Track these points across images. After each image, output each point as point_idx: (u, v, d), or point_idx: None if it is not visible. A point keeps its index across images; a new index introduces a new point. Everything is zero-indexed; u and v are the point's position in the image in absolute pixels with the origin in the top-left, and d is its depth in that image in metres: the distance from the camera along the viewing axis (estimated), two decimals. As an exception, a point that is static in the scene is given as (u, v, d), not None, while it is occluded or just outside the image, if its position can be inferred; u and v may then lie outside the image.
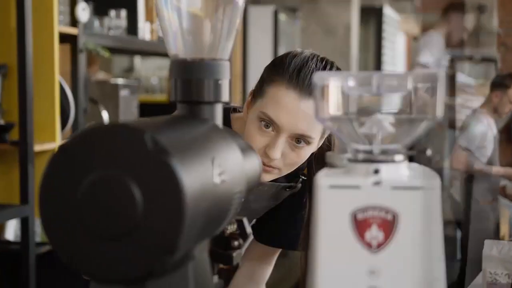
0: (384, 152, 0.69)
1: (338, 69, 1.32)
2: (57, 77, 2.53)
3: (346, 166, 0.71)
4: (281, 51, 6.15)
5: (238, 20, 0.84)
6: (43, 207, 0.63)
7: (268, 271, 1.60)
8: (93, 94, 3.17)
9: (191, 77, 0.80)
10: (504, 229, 4.14)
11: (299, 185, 1.45)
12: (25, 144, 2.33)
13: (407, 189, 0.66)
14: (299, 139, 1.26)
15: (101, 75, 4.47)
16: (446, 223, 4.15)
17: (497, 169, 4.09)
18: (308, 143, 1.26)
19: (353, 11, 5.90)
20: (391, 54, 8.54)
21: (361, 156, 0.69)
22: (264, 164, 1.25)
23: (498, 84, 4.05)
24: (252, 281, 1.58)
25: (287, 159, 1.28)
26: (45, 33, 2.51)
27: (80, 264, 0.62)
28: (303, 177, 1.44)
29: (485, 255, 1.78)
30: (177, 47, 0.82)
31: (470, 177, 4.14)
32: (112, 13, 3.11)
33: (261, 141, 1.26)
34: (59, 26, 2.59)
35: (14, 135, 2.44)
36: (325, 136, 1.33)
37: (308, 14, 5.92)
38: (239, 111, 1.45)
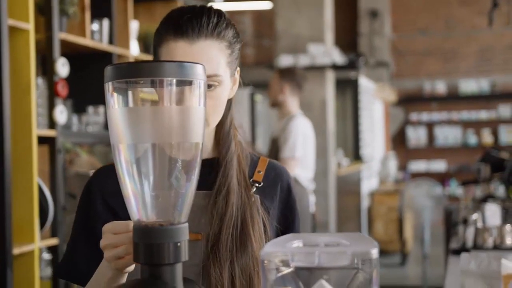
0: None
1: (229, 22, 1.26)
2: (36, 179, 2.59)
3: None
4: (259, 130, 6.26)
5: (195, 186, 0.91)
6: None
7: None
8: (74, 186, 3.21)
9: (152, 241, 0.87)
10: None
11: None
12: (4, 250, 2.37)
13: None
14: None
15: (85, 159, 4.50)
16: None
17: None
18: (217, 83, 1.22)
19: (328, 87, 6.05)
20: (369, 121, 8.69)
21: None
22: None
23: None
24: None
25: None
26: (23, 137, 2.57)
27: None
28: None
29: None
30: (139, 213, 0.90)
31: None
32: (90, 109, 3.20)
33: None
34: (38, 129, 2.66)
35: (-8, 239, 2.46)
36: (236, 72, 1.28)
37: (284, 92, 6.03)
38: None
